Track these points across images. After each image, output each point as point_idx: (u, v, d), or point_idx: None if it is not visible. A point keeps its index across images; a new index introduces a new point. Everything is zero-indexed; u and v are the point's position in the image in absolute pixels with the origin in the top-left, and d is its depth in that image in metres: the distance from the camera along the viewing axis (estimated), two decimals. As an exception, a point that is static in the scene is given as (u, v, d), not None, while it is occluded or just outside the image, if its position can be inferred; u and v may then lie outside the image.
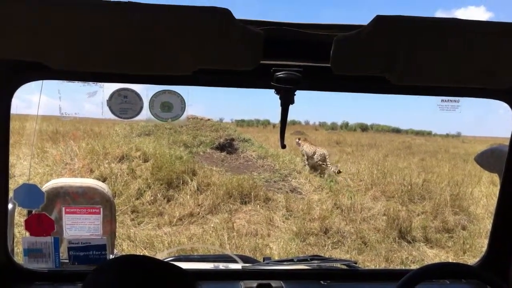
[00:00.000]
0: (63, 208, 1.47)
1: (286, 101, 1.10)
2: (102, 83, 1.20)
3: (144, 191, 6.98)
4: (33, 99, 1.46)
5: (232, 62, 0.90)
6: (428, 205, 7.48)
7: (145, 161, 7.85)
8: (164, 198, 6.94)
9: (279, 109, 1.12)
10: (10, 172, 1.31)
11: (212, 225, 6.21)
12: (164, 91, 1.23)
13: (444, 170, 11.05)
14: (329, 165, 9.33)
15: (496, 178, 1.63)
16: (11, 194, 1.35)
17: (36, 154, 7.91)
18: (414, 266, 5.01)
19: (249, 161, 9.42)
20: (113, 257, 1.54)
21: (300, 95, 1.12)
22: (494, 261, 1.58)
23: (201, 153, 9.39)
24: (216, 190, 7.17)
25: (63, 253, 1.45)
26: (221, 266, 1.76)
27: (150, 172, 7.39)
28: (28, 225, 1.40)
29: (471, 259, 5.54)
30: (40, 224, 1.39)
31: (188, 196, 7.03)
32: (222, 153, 9.62)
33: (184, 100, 1.25)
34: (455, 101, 1.31)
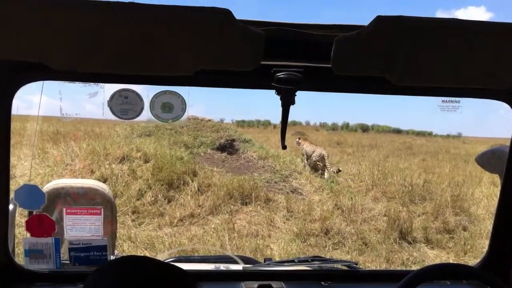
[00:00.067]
0: (64, 209, 1.47)
1: (287, 102, 1.10)
2: (103, 84, 1.20)
3: (145, 191, 6.98)
4: (34, 100, 1.46)
5: (232, 62, 0.90)
6: (429, 205, 7.47)
7: (146, 161, 7.85)
8: (164, 199, 6.94)
9: (279, 110, 1.12)
10: (11, 172, 1.31)
11: (212, 226, 6.21)
12: (164, 92, 1.23)
13: (445, 170, 11.04)
14: (327, 165, 9.34)
15: (497, 179, 1.63)
16: (12, 195, 1.35)
17: (37, 155, 7.92)
18: (415, 267, 5.00)
19: (249, 162, 9.41)
20: (114, 258, 1.54)
21: (301, 96, 1.12)
22: (495, 262, 1.58)
23: (201, 153, 9.39)
24: (217, 191, 7.17)
25: (64, 254, 1.45)
26: (222, 267, 1.76)
27: (150, 173, 7.39)
28: (29, 226, 1.40)
29: (472, 260, 5.53)
30: (41, 225, 1.39)
31: (189, 197, 7.03)
32: (222, 154, 9.62)
33: (184, 101, 1.25)
34: (455, 101, 1.31)
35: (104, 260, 1.45)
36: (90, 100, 1.19)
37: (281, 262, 1.69)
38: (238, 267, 1.69)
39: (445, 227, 6.73)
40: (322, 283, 1.53)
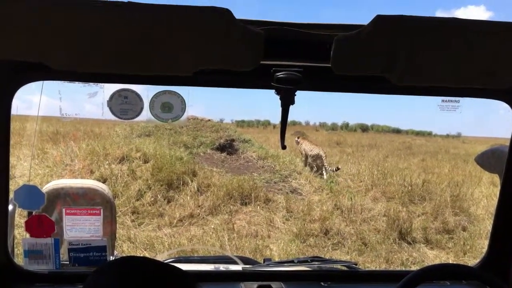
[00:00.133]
0: (64, 209, 1.47)
1: (287, 102, 1.10)
2: (103, 84, 1.20)
3: (145, 192, 6.98)
4: (34, 100, 1.46)
5: (232, 62, 0.90)
6: (429, 206, 7.48)
7: (146, 162, 7.85)
8: (164, 199, 6.94)
9: (279, 110, 1.12)
10: (10, 173, 1.31)
11: (212, 226, 6.21)
12: (164, 92, 1.23)
13: (444, 170, 11.05)
14: (325, 164, 9.36)
15: (496, 179, 1.63)
16: (11, 195, 1.34)
17: (37, 155, 7.91)
18: (414, 267, 5.01)
19: (249, 162, 9.41)
20: (113, 258, 1.54)
21: (301, 95, 1.12)
22: (495, 262, 1.58)
23: (201, 154, 9.38)
24: (217, 191, 7.17)
25: (64, 255, 1.45)
26: (222, 267, 1.75)
27: (150, 173, 7.38)
28: (29, 226, 1.39)
29: (472, 260, 5.53)
30: (41, 225, 1.39)
31: (189, 197, 7.03)
32: (222, 154, 9.62)
33: (184, 101, 1.24)
34: (455, 101, 1.31)
35: (104, 261, 1.45)
36: (89, 100, 1.19)
37: (281, 263, 1.69)
38: (238, 267, 1.69)
39: (445, 227, 6.73)
40: (322, 283, 1.53)
